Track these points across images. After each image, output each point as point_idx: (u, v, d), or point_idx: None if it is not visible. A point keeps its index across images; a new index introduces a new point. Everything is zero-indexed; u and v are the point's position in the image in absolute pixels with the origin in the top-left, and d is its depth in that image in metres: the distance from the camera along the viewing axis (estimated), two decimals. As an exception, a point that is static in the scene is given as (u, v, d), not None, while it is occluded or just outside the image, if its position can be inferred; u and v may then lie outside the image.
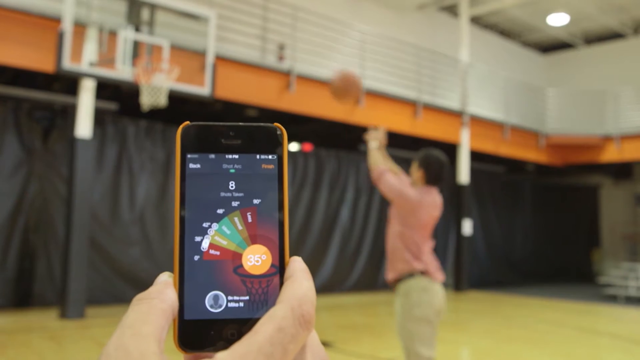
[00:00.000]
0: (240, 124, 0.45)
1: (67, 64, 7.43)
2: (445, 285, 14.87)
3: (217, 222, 0.43)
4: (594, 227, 19.10)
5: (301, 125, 13.00)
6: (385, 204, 13.98)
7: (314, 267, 12.62)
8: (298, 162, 12.70)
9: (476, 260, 15.61)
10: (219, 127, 0.45)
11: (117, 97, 10.06)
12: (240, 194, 0.44)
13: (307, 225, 12.68)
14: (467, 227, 14.24)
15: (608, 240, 18.82)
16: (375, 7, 14.88)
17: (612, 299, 13.96)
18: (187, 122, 0.45)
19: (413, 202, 3.86)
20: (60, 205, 9.34)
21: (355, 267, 13.35)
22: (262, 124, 0.46)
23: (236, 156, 0.45)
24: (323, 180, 13.03)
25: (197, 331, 0.42)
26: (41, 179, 9.43)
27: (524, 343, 8.19)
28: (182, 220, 0.43)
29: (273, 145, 0.45)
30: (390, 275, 3.91)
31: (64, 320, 8.21)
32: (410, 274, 3.82)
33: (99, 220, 9.62)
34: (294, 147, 13.54)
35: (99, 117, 9.53)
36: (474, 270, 15.19)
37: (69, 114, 9.39)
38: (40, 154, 9.44)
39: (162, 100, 7.74)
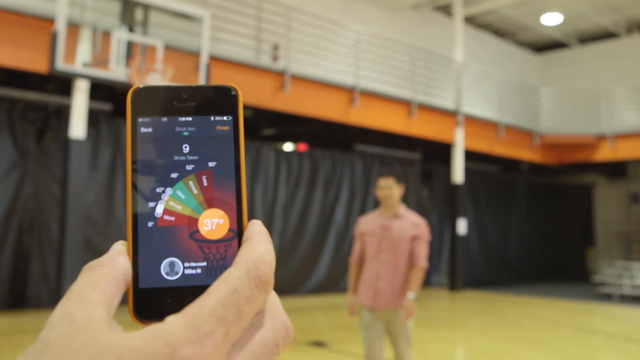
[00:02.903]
0: (193, 85, 0.44)
1: (61, 64, 7.40)
2: (440, 284, 14.95)
3: (171, 186, 0.42)
4: (588, 226, 19.15)
5: (296, 126, 13.01)
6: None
7: (308, 267, 12.62)
8: (293, 162, 12.69)
9: (471, 259, 15.63)
10: (170, 89, 0.43)
11: (111, 97, 10.05)
12: (195, 157, 0.43)
13: (302, 226, 12.68)
14: (462, 226, 14.26)
15: (602, 239, 18.86)
16: (369, 7, 14.88)
17: (607, 297, 14.00)
18: (137, 86, 0.43)
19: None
20: (55, 206, 9.31)
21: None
22: (215, 84, 0.44)
23: (189, 118, 0.43)
24: (318, 181, 13.02)
25: (153, 300, 0.40)
26: (35, 179, 9.40)
27: (519, 342, 8.21)
28: (135, 186, 0.41)
29: (228, 106, 0.44)
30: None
31: (59, 322, 8.18)
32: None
33: (93, 221, 9.60)
34: (288, 147, 13.54)
35: (93, 118, 9.51)
36: (469, 269, 15.22)
37: (62, 114, 9.36)
38: (34, 155, 9.41)
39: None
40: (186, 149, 0.43)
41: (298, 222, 12.62)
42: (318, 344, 7.46)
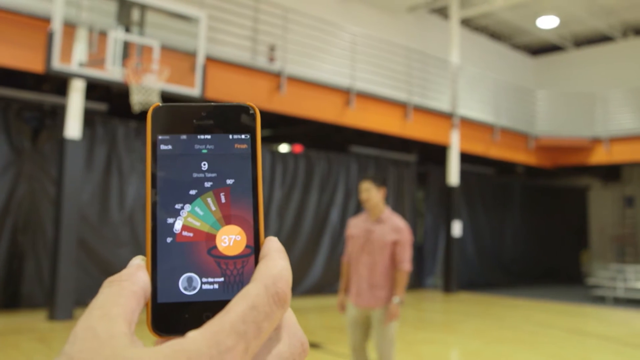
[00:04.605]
0: (212, 103, 0.45)
1: (57, 64, 7.39)
2: (435, 286, 14.96)
3: (190, 203, 0.43)
4: (583, 229, 19.20)
5: (291, 127, 13.00)
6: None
7: (303, 268, 12.61)
8: (288, 163, 12.68)
9: (466, 261, 15.65)
10: (190, 107, 0.44)
11: (107, 97, 10.03)
12: (213, 175, 0.43)
13: (297, 227, 12.67)
14: (457, 228, 14.28)
15: (597, 241, 18.92)
16: (365, 9, 14.90)
17: (601, 300, 14.04)
18: (158, 104, 0.44)
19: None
20: (49, 205, 9.29)
21: (346, 268, 13.33)
22: (234, 103, 0.45)
23: (208, 136, 0.44)
24: (313, 182, 13.02)
25: (171, 314, 0.41)
26: (30, 179, 9.38)
27: (513, 344, 8.22)
28: (154, 202, 0.42)
29: (246, 124, 0.45)
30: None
31: (53, 322, 8.17)
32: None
33: (88, 221, 9.58)
34: (284, 148, 13.54)
35: (89, 118, 9.49)
36: (464, 271, 15.23)
37: (58, 114, 9.34)
38: (29, 155, 9.39)
39: (155, 100, 7.71)
40: (205, 166, 0.44)
41: (293, 223, 12.61)
42: (312, 345, 7.46)
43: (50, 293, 8.41)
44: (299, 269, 12.52)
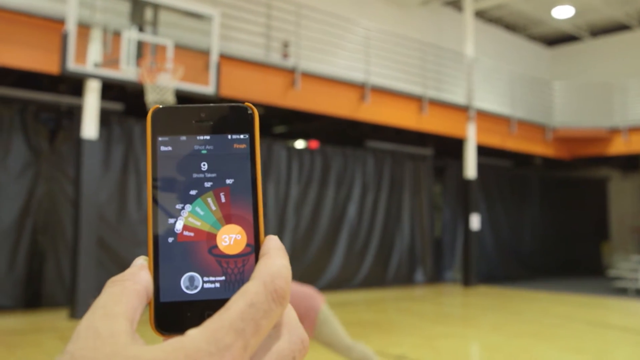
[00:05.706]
0: (211, 104, 0.45)
1: (72, 65, 7.44)
2: (454, 280, 14.91)
3: (190, 203, 0.43)
4: (603, 220, 19.03)
5: (307, 123, 13.00)
6: (392, 200, 13.97)
7: (321, 264, 12.62)
8: (304, 159, 12.69)
9: (484, 255, 15.57)
10: (189, 109, 0.45)
11: (123, 97, 10.09)
12: (213, 175, 0.44)
13: (314, 223, 12.68)
14: (475, 221, 14.21)
15: (617, 233, 18.74)
16: (379, 3, 14.84)
17: (622, 292, 13.90)
18: (157, 106, 0.45)
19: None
20: (68, 206, 9.37)
21: (363, 263, 13.35)
22: (232, 103, 0.46)
23: (207, 137, 0.45)
24: (330, 178, 13.02)
25: (173, 313, 0.42)
26: (48, 180, 9.47)
27: (533, 337, 8.17)
28: (155, 203, 0.43)
29: (244, 124, 0.45)
30: None
31: (74, 321, 8.25)
32: None
33: (106, 220, 9.65)
34: (300, 144, 13.54)
35: (105, 118, 9.55)
36: (482, 265, 15.16)
37: (74, 115, 9.41)
38: (47, 156, 9.47)
39: (170, 99, 7.74)
40: (204, 166, 0.44)
41: (310, 219, 12.62)
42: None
43: (71, 292, 8.49)
44: (317, 264, 12.54)
